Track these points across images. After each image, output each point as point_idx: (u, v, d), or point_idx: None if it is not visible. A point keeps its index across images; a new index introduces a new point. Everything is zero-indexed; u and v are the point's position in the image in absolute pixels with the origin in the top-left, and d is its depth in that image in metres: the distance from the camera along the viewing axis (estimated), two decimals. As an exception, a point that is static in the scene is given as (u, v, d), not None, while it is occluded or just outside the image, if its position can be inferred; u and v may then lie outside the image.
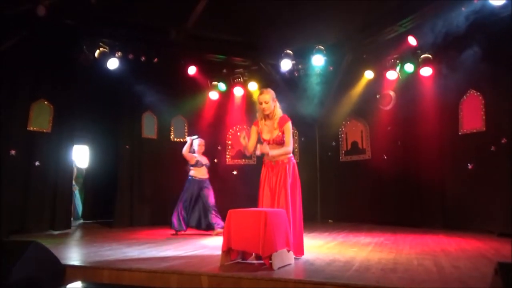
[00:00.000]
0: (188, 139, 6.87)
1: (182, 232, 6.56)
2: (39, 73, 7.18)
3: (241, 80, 9.03)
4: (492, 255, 4.33)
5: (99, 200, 9.18)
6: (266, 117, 4.24)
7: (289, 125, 4.20)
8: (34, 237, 5.01)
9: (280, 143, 4.18)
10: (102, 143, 9.23)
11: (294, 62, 8.53)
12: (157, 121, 8.75)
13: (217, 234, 6.31)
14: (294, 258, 3.95)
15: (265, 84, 9.08)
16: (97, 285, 3.59)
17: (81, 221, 9.37)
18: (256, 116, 4.36)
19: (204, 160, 6.89)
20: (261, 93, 4.23)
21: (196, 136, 6.96)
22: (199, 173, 6.75)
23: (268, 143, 4.18)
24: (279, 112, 4.24)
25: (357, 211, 8.51)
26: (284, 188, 4.09)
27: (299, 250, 4.14)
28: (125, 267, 3.68)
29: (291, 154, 4.28)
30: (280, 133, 4.17)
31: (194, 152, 6.82)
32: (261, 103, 4.17)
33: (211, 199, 6.75)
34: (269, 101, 4.17)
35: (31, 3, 6.09)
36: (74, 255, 4.69)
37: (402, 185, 7.73)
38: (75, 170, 9.73)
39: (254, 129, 4.36)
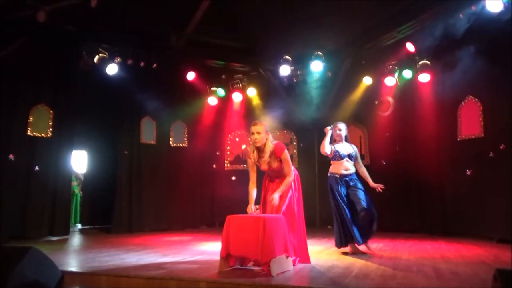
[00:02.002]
0: (328, 129, 5.17)
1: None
2: (39, 78, 7.18)
3: (240, 85, 9.06)
4: (492, 261, 4.33)
5: (97, 205, 9.14)
6: (258, 149, 4.12)
7: (286, 154, 4.11)
8: (33, 243, 5.01)
9: (279, 173, 4.19)
10: (101, 148, 9.21)
11: (293, 68, 8.55)
12: (156, 127, 8.74)
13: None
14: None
15: (264, 89, 9.18)
16: (95, 291, 3.57)
17: (80, 226, 9.35)
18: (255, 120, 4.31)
19: (345, 149, 5.11)
20: (254, 124, 4.08)
21: (331, 127, 5.17)
22: (335, 167, 5.08)
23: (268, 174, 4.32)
24: (270, 144, 4.09)
25: (356, 217, 8.48)
26: (289, 201, 4.14)
27: (305, 258, 4.22)
28: (123, 273, 3.67)
29: (293, 167, 4.32)
30: (278, 164, 4.11)
31: (335, 142, 5.21)
32: (253, 133, 4.04)
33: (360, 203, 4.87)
34: (262, 132, 4.03)
35: (31, 9, 6.11)
36: (72, 261, 4.66)
37: (401, 191, 7.73)
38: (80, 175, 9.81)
39: (250, 162, 4.23)
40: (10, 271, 3.09)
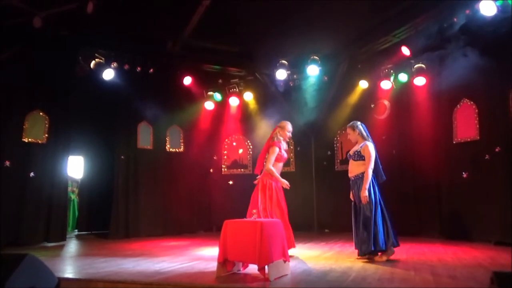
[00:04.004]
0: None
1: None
2: (34, 84, 7.16)
3: (237, 90, 9.09)
4: (489, 264, 4.33)
5: (94, 211, 9.10)
6: (286, 140, 5.38)
7: None
8: (29, 250, 4.99)
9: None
10: (98, 153, 9.19)
11: (289, 72, 8.59)
12: (152, 132, 8.72)
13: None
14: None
15: (260, 94, 9.20)
16: (92, 298, 3.55)
17: (76, 232, 9.30)
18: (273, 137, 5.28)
19: (352, 150, 4.96)
20: (289, 124, 5.37)
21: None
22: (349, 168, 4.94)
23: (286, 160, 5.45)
24: None
25: (353, 220, 8.48)
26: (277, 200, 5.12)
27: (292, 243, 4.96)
28: (120, 279, 3.65)
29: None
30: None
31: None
32: (290, 131, 5.37)
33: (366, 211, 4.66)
34: None
35: (27, 15, 6.10)
36: (68, 267, 4.64)
37: (398, 194, 7.72)
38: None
39: (275, 150, 5.12)
40: (6, 278, 3.07)
